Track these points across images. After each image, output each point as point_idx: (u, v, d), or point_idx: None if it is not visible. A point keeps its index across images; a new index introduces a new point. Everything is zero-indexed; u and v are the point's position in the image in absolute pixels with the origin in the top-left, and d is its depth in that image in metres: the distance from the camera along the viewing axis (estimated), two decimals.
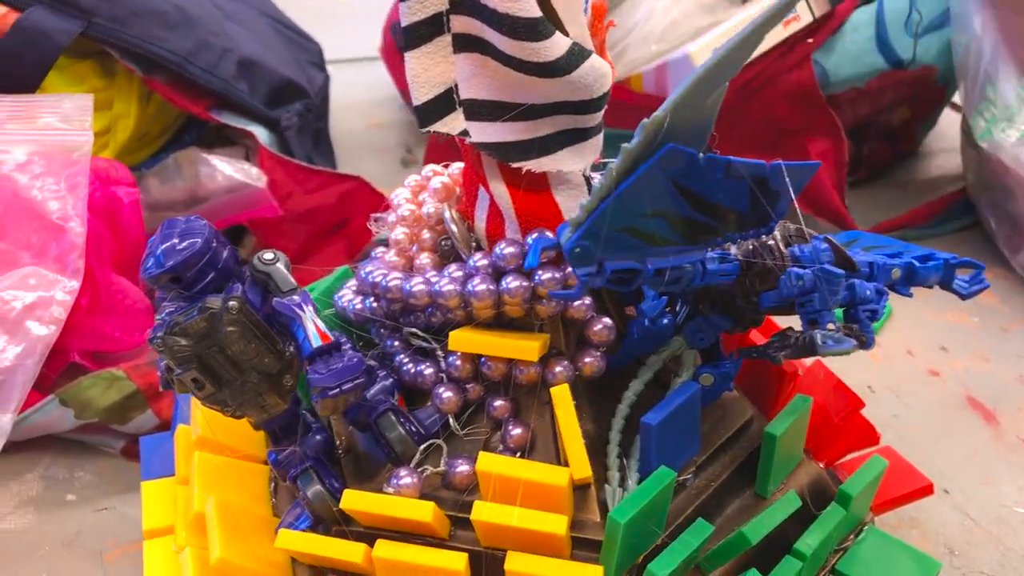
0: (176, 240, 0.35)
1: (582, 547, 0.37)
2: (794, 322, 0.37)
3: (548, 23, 0.33)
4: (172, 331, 0.33)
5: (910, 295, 0.40)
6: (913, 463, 0.47)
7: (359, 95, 0.93)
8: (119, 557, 0.48)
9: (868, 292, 0.36)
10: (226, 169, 0.63)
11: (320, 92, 0.78)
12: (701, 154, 0.31)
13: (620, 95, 0.67)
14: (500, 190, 0.37)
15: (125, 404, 0.52)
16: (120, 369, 0.52)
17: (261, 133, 0.67)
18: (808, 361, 0.46)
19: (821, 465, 0.45)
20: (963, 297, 0.41)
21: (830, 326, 0.36)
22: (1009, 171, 0.65)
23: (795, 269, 0.36)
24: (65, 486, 0.52)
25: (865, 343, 0.36)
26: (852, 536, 0.43)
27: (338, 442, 0.40)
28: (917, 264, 0.39)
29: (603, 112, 0.36)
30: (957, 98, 0.73)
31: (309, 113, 0.72)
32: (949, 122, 0.84)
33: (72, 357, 0.55)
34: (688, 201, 0.32)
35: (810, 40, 0.66)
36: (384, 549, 0.35)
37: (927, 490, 0.45)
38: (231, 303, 0.33)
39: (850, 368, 0.58)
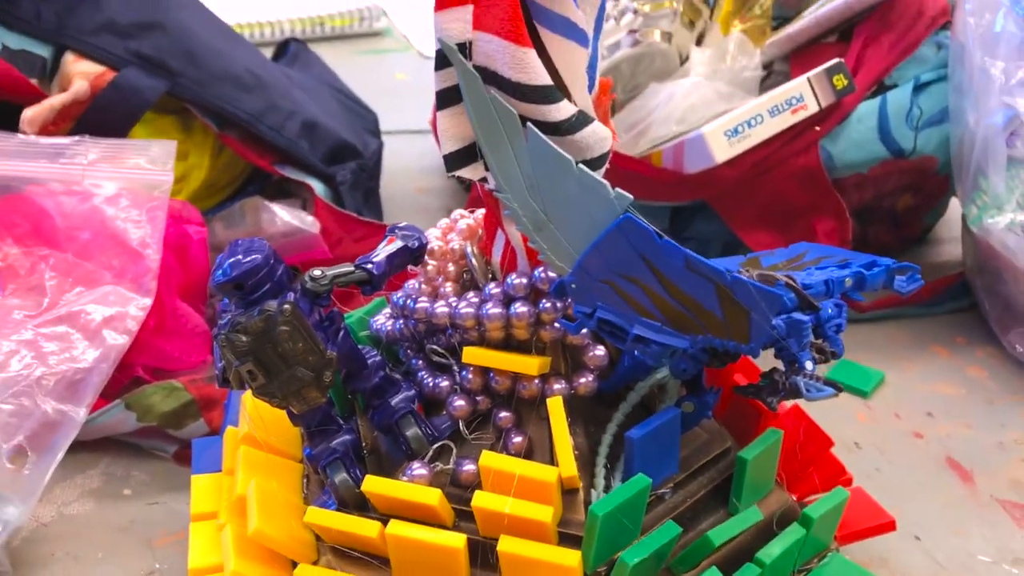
0: (240, 256, 0.41)
1: (568, 542, 0.42)
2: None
3: (557, 91, 0.40)
4: (235, 328, 0.40)
5: (862, 299, 0.45)
6: (891, 513, 0.51)
7: (409, 162, 1.00)
8: (167, 544, 0.54)
9: (830, 310, 0.42)
10: (284, 216, 0.70)
11: (374, 156, 0.86)
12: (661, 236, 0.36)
13: (641, 168, 0.74)
14: (513, 231, 0.44)
15: (181, 412, 0.58)
16: (179, 381, 0.59)
17: (318, 186, 0.75)
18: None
19: (793, 497, 0.50)
20: (902, 295, 0.45)
21: (808, 364, 0.41)
22: (999, 255, 0.70)
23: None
24: (122, 482, 0.59)
25: (836, 355, 0.41)
26: (816, 559, 0.48)
27: (364, 444, 0.47)
28: (865, 272, 0.45)
29: (604, 171, 0.43)
30: None
31: (362, 172, 0.80)
32: (956, 210, 0.90)
33: (136, 371, 0.63)
34: (661, 283, 0.38)
35: (817, 128, 0.73)
36: (396, 527, 0.41)
37: (889, 526, 0.50)
38: (285, 306, 0.40)
39: (840, 424, 0.63)
